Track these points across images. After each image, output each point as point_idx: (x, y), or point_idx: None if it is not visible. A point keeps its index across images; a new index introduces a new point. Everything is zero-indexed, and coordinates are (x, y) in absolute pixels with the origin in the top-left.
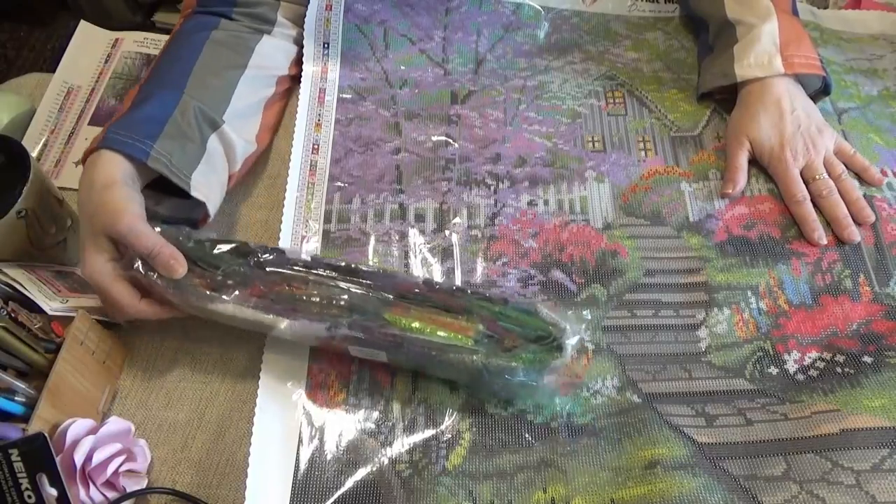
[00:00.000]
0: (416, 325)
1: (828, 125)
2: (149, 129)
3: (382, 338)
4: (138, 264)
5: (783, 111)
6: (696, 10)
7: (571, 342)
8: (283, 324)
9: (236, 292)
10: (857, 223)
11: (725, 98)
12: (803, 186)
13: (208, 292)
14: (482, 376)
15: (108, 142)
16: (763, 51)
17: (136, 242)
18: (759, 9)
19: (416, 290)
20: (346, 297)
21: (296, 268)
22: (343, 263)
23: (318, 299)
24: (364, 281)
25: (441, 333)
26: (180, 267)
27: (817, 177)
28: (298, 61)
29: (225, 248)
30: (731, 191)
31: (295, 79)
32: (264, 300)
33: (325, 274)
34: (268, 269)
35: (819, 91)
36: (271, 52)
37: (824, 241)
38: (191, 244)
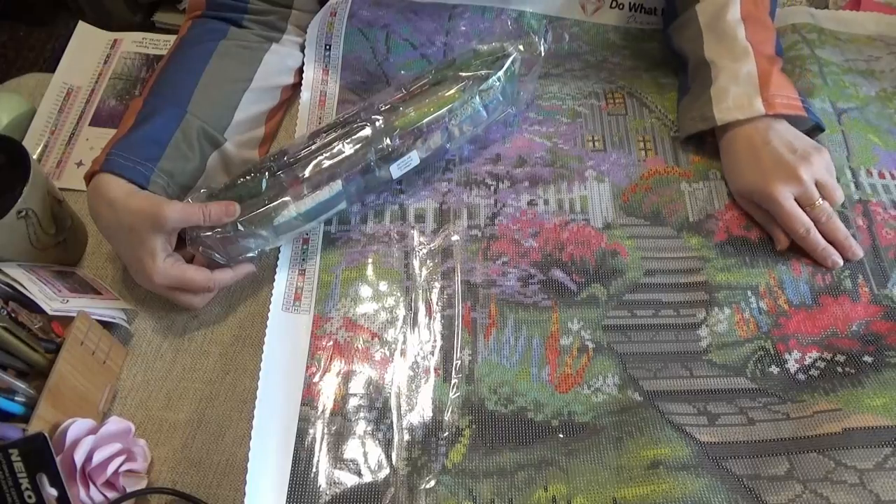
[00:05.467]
0: (415, 114)
1: (819, 149)
2: (150, 151)
3: (405, 142)
4: (201, 236)
5: (755, 147)
6: (677, 47)
7: (517, 46)
8: (339, 184)
9: (287, 197)
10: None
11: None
12: (805, 218)
13: (270, 211)
14: (480, 114)
15: (111, 165)
16: (742, 93)
17: (190, 216)
18: (735, 50)
19: (400, 97)
20: (361, 134)
21: (307, 149)
22: (333, 120)
23: (345, 150)
24: (360, 121)
25: (436, 107)
26: (232, 206)
27: (817, 203)
28: (302, 69)
29: (244, 178)
30: (780, 247)
31: (298, 85)
32: (311, 180)
33: (332, 136)
34: (287, 161)
35: (813, 128)
36: (278, 63)
37: (840, 263)
38: (221, 193)
